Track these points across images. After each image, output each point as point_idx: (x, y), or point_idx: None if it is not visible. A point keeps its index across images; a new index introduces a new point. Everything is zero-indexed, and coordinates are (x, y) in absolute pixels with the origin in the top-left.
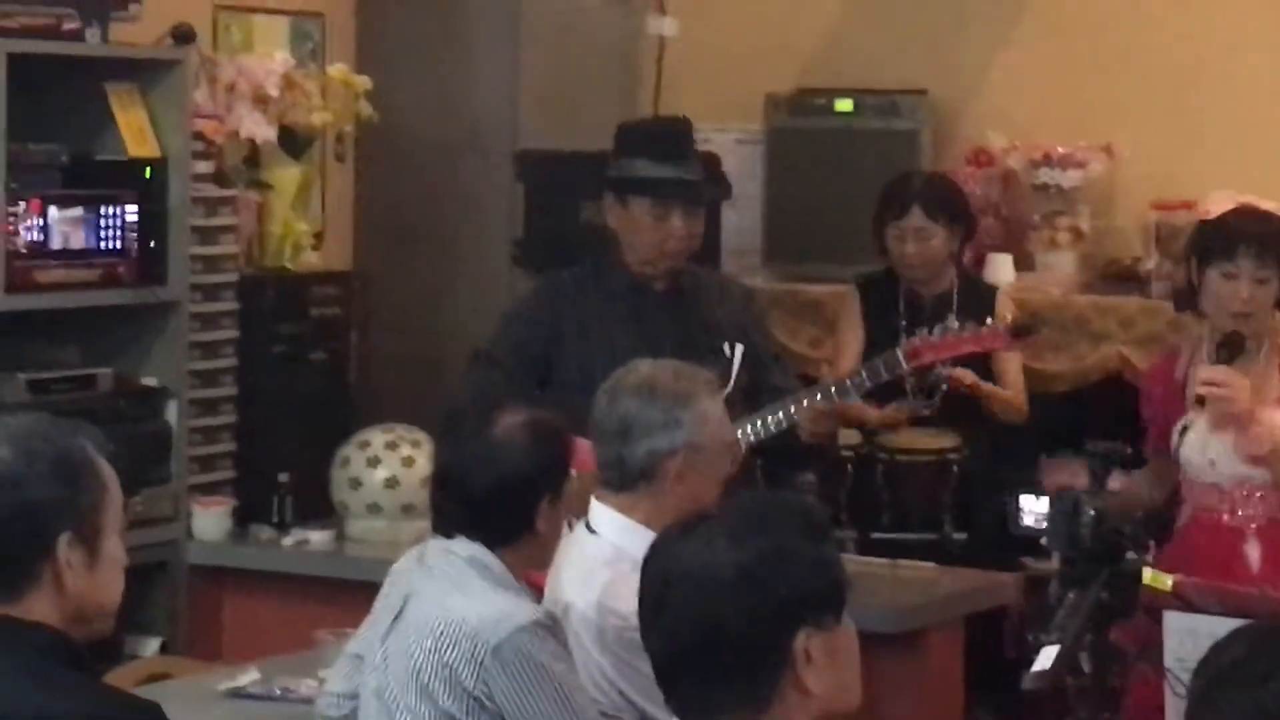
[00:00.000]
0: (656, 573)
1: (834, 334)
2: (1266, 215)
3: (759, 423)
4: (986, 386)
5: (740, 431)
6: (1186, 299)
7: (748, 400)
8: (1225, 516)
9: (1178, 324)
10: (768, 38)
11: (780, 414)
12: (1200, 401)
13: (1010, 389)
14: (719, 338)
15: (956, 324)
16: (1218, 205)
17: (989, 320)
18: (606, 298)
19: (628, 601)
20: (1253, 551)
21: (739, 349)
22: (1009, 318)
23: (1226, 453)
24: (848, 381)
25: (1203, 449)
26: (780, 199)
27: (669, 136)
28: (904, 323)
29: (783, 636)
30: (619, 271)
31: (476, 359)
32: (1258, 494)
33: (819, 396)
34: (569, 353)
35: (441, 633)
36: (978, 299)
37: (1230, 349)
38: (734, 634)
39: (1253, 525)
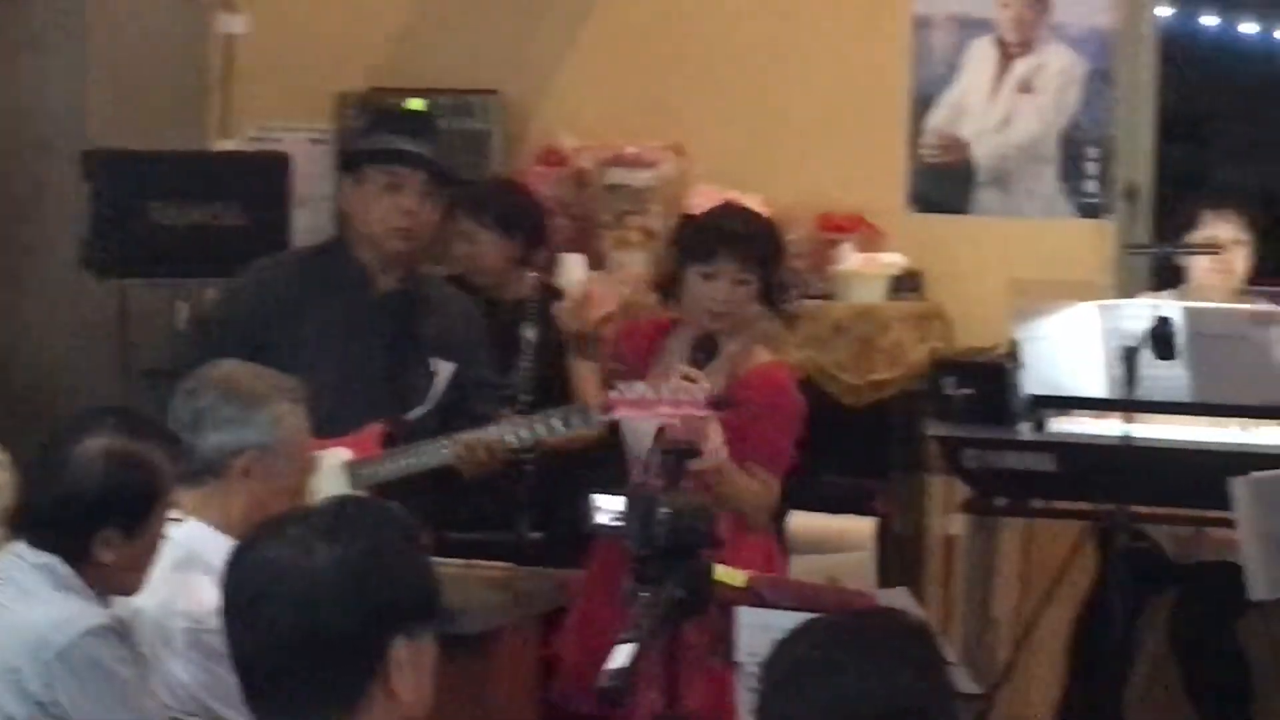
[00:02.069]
0: (246, 574)
1: None
2: (750, 215)
3: (419, 455)
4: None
5: (406, 459)
6: (666, 291)
7: (444, 422)
8: None
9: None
10: (339, 36)
11: (441, 449)
12: None
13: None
14: (429, 352)
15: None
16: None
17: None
18: (329, 287)
19: (201, 604)
20: None
21: (448, 368)
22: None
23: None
24: (536, 426)
25: (645, 434)
26: None
27: (416, 117)
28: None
29: (382, 640)
30: (350, 262)
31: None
32: None
33: (498, 437)
34: (277, 332)
35: (6, 638)
36: (550, 305)
37: (706, 352)
38: (334, 636)
39: None
